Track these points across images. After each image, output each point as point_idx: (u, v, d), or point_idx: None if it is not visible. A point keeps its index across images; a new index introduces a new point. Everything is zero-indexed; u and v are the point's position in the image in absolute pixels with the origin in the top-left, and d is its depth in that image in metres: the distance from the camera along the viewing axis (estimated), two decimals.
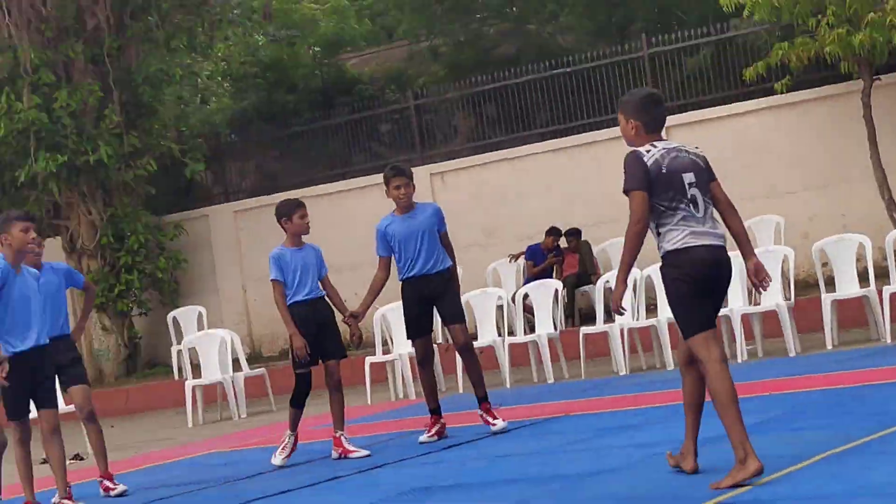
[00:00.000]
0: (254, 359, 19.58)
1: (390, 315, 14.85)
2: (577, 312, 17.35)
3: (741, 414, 6.86)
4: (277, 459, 10.23)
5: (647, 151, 6.97)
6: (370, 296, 10.53)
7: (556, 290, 14.94)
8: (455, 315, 10.54)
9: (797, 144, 17.10)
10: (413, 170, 19.34)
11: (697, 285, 6.90)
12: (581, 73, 19.32)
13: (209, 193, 22.66)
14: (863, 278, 13.57)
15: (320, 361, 10.22)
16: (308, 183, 20.78)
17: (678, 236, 6.90)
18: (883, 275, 14.06)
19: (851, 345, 13.21)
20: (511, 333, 15.48)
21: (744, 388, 10.86)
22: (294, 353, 10.11)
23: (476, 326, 14.52)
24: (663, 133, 7.26)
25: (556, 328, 14.85)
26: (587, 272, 17.37)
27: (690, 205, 6.93)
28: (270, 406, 15.80)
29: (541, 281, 15.54)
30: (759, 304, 13.86)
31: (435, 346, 15.52)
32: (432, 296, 10.54)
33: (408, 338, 10.86)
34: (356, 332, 10.37)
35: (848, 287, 13.47)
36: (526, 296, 15.29)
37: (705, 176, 7.08)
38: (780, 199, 17.09)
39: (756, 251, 14.12)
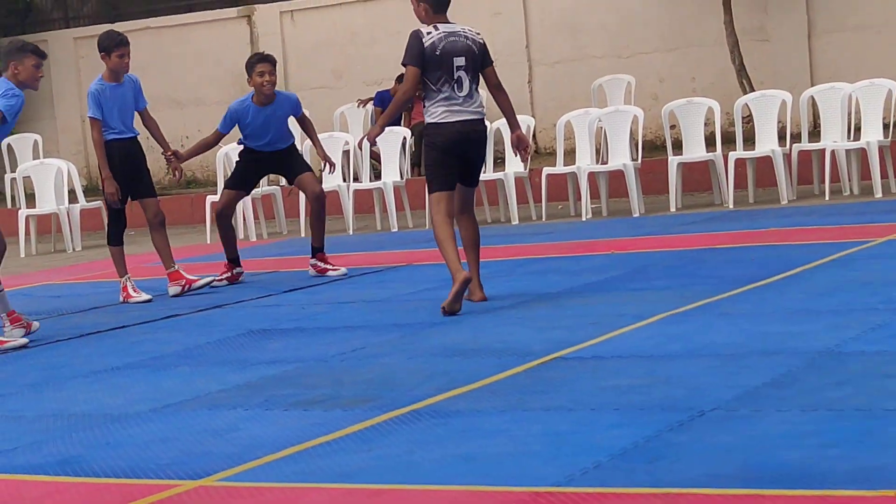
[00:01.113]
0: (91, 191, 19.12)
1: (233, 154, 14.55)
2: (423, 161, 17.22)
3: (456, 251, 8.07)
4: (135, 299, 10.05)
5: (428, 33, 8.14)
6: (197, 149, 10.56)
7: (405, 138, 14.80)
8: (304, 166, 10.51)
9: (650, 4, 17.05)
10: (261, 7, 19.17)
11: (447, 153, 8.22)
12: None
13: (48, 17, 21.85)
14: (710, 143, 13.68)
15: (130, 199, 10.03)
16: (152, 13, 20.16)
17: (437, 112, 8.18)
18: (730, 140, 14.21)
19: (695, 208, 13.36)
20: (356, 180, 15.34)
21: (586, 245, 10.98)
22: (106, 196, 9.92)
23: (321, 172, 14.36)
24: None
25: (402, 176, 14.75)
26: None
27: (455, 85, 8.15)
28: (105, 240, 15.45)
29: (388, 128, 15.34)
30: (606, 163, 13.91)
31: (278, 188, 15.41)
32: (270, 167, 10.79)
33: (224, 185, 10.85)
34: (177, 167, 10.26)
35: (695, 150, 13.57)
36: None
37: (478, 60, 8.24)
38: (631, 59, 17.08)
39: (606, 110, 14.31)
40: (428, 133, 8.31)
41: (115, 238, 10.11)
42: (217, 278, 10.39)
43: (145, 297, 9.96)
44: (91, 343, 8.33)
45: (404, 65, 8.21)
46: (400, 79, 17.23)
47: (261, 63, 10.23)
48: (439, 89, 8.15)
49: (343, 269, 10.47)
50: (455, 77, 8.15)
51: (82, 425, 5.90)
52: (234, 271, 10.55)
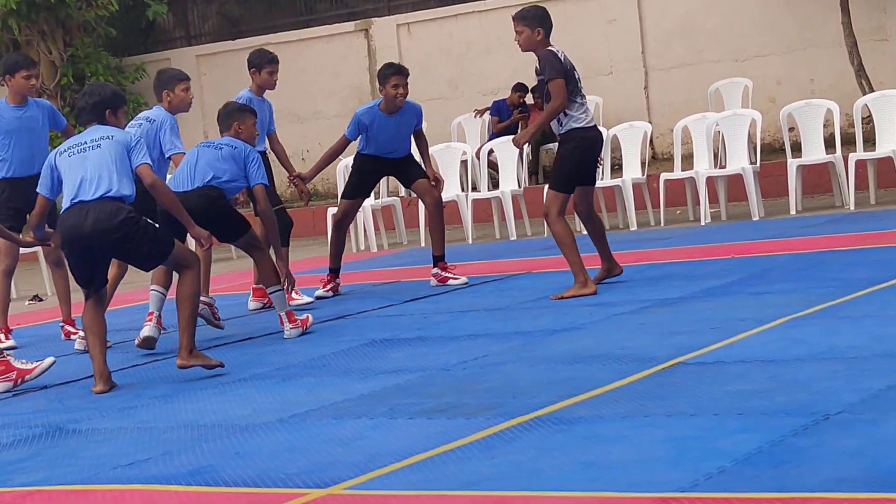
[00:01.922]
0: None
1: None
2: (541, 170, 17.26)
3: (578, 252, 9.02)
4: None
5: (558, 51, 9.13)
6: (322, 163, 10.60)
7: (522, 148, 14.82)
8: (420, 172, 10.56)
9: (767, 7, 16.91)
10: (378, 20, 19.35)
11: (594, 154, 9.23)
12: None
13: (170, 36, 22.27)
14: (829, 144, 13.53)
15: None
16: (272, 29, 20.46)
17: (584, 118, 9.11)
18: (849, 141, 14.03)
19: (815, 210, 13.22)
20: (474, 189, 15.41)
21: (706, 250, 10.93)
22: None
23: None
24: None
25: (519, 185, 14.79)
26: (552, 130, 17.21)
27: (581, 96, 9.18)
28: (231, 254, 15.72)
29: (506, 137, 15.41)
30: (724, 167, 13.83)
31: (398, 199, 15.54)
32: (386, 170, 10.86)
33: (341, 196, 10.96)
34: (304, 191, 10.44)
35: (814, 152, 13.43)
36: (490, 151, 15.18)
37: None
38: (748, 63, 16.94)
39: (723, 114, 14.23)
40: (578, 137, 9.11)
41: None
42: (324, 289, 10.50)
43: (307, 299, 10.16)
44: (219, 354, 8.47)
45: (551, 79, 9.01)
46: (517, 87, 17.39)
47: (396, 76, 10.28)
48: (574, 99, 9.07)
49: (464, 279, 10.52)
50: (580, 88, 9.20)
51: (212, 436, 6.03)
52: (336, 282, 10.66)
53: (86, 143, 7.69)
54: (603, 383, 6.06)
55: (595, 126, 9.34)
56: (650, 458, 4.72)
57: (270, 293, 8.85)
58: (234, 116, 8.98)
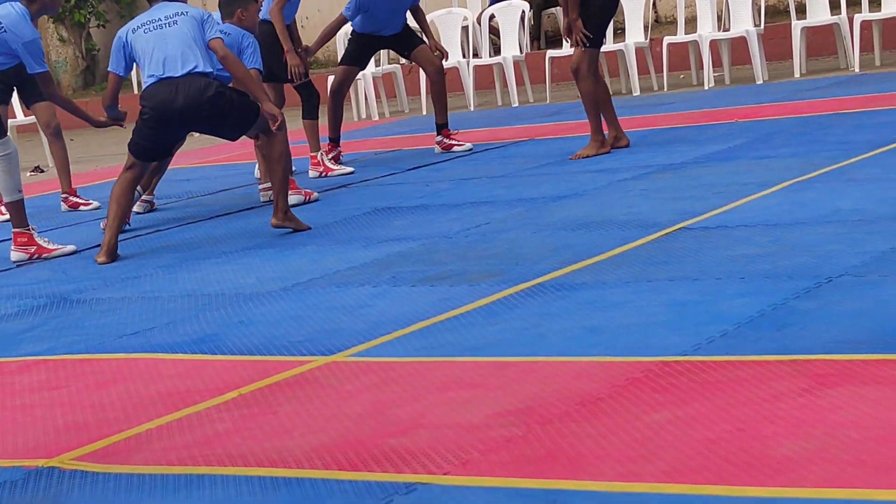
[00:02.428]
0: None
1: None
2: (543, 35, 17.11)
3: (599, 114, 9.24)
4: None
5: None
6: (323, 39, 10.42)
7: (523, 12, 14.68)
8: (419, 40, 10.49)
9: None
10: None
11: (610, 13, 9.35)
12: None
13: None
14: (834, 5, 13.38)
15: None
16: None
17: None
18: (855, 2, 13.88)
19: (820, 73, 13.12)
20: (476, 55, 15.29)
21: (710, 115, 10.88)
22: (292, 69, 9.61)
23: None
24: None
25: (521, 51, 14.66)
26: None
27: None
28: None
29: (507, 2, 15.24)
30: (728, 30, 13.69)
31: (399, 66, 15.42)
32: (384, 44, 10.73)
33: (340, 62, 10.86)
34: (307, 63, 9.92)
35: (819, 14, 13.28)
36: (492, 17, 15.02)
37: None
38: None
39: None
40: None
41: (311, 112, 9.98)
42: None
43: (347, 169, 10.10)
44: (222, 225, 8.49)
45: None
46: None
47: None
48: None
49: (468, 145, 10.49)
50: None
51: (216, 304, 6.05)
52: (338, 150, 10.56)
53: (160, 19, 7.70)
54: (605, 249, 6.06)
55: None
56: (652, 322, 4.73)
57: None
58: (238, 3, 8.84)
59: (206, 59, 7.62)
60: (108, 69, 8.01)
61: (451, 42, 14.55)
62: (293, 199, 8.56)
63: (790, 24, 13.38)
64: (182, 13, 7.71)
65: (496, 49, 15.33)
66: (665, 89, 13.62)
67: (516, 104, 14.14)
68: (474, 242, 6.71)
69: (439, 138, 10.51)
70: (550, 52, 14.44)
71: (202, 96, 7.54)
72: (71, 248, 8.07)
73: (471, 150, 10.40)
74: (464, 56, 15.05)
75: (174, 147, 8.42)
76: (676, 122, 10.73)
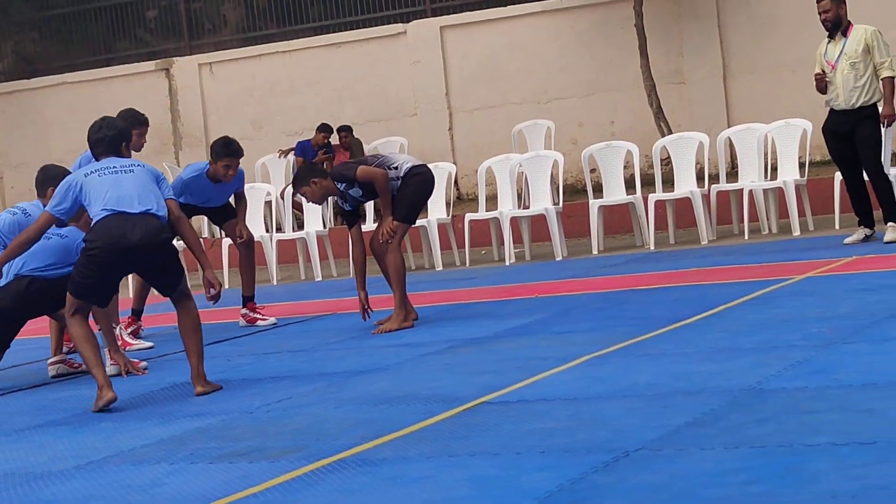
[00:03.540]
0: None
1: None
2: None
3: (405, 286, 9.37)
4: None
5: None
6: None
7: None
8: (232, 212, 10.48)
9: (567, 50, 17.22)
10: (180, 60, 19.13)
11: (426, 192, 9.71)
12: None
13: None
14: (629, 185, 13.80)
15: None
16: (69, 68, 20.07)
17: (409, 164, 9.55)
18: (649, 182, 14.34)
19: (617, 250, 13.46)
20: (279, 230, 15.32)
21: (511, 290, 11.02)
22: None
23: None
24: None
25: (325, 225, 14.75)
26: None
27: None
28: None
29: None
30: (528, 207, 13.99)
31: (202, 239, 15.34)
32: (199, 212, 10.71)
33: None
34: None
35: (615, 193, 13.69)
36: (295, 192, 15.09)
37: None
38: (550, 105, 17.23)
39: (526, 156, 14.42)
40: (420, 172, 9.46)
41: None
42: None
43: (146, 344, 9.97)
44: (12, 401, 8.22)
45: (356, 168, 9.35)
46: (321, 128, 17.36)
47: (229, 158, 10.09)
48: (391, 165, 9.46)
49: (272, 319, 10.45)
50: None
51: (6, 485, 5.82)
52: (138, 324, 10.41)
53: (115, 167, 7.67)
54: (407, 424, 6.03)
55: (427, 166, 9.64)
56: (453, 497, 4.70)
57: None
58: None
59: (161, 206, 7.58)
60: (45, 209, 7.85)
61: (254, 216, 14.54)
62: (111, 370, 8.34)
63: (588, 202, 13.73)
64: (138, 165, 7.73)
65: (300, 224, 15.38)
66: (467, 264, 13.81)
67: (319, 278, 14.16)
68: (275, 418, 6.62)
69: (244, 311, 10.44)
70: None
71: (158, 237, 7.47)
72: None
73: (275, 324, 10.35)
74: (267, 231, 15.06)
75: (115, 291, 8.08)
76: (478, 296, 10.85)
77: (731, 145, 14.28)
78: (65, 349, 9.24)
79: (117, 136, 7.84)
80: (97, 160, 7.83)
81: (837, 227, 12.65)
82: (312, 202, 9.80)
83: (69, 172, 9.06)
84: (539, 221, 13.80)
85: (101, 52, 20.55)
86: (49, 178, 8.80)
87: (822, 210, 13.37)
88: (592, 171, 14.32)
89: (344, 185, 9.40)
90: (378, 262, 9.58)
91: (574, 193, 16.32)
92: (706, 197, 13.36)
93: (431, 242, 13.91)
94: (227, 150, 10.15)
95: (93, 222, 7.54)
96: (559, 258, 13.28)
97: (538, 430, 5.62)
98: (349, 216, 9.63)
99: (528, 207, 14.02)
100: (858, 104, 11.17)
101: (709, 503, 4.24)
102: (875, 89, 11.18)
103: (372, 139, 17.59)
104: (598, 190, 13.99)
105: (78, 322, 7.59)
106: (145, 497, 5.26)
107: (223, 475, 5.46)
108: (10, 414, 7.72)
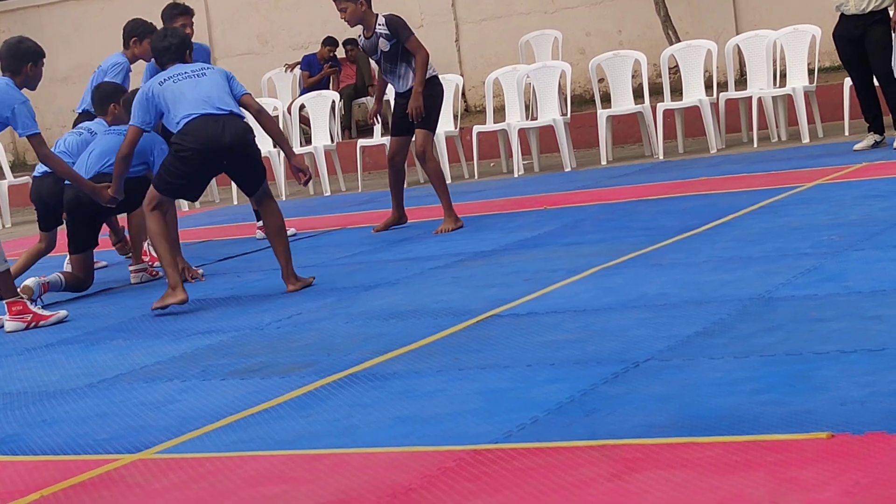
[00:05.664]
0: (17, 167, 18.94)
1: None
2: (353, 124, 17.20)
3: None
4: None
5: None
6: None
7: (333, 102, 14.75)
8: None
9: None
10: None
11: (440, 102, 9.90)
12: None
13: None
14: (638, 95, 13.73)
15: None
16: None
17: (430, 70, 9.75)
18: (657, 92, 14.26)
19: (625, 161, 13.42)
20: None
21: (519, 202, 11.01)
22: None
23: None
24: None
25: (332, 140, 14.71)
26: (365, 83, 17.19)
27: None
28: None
29: (317, 92, 15.30)
30: (536, 119, 13.93)
31: None
32: None
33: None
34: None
35: (623, 103, 13.62)
36: (302, 106, 15.06)
37: None
38: (557, 14, 17.09)
39: (533, 66, 14.35)
40: (435, 83, 9.74)
41: None
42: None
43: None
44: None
45: (409, 37, 9.59)
46: (327, 41, 17.27)
47: (182, 16, 9.99)
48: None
49: (292, 230, 10.38)
50: None
51: (18, 403, 5.87)
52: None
53: (187, 72, 7.84)
54: (418, 338, 6.05)
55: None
56: (464, 410, 4.73)
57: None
58: (112, 98, 9.01)
59: (238, 109, 7.73)
60: (130, 123, 7.95)
61: (261, 132, 14.48)
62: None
63: (596, 112, 13.67)
64: (209, 68, 7.91)
65: (307, 138, 15.34)
66: (475, 177, 13.78)
67: (328, 193, 14.15)
68: (286, 333, 6.65)
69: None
70: (362, 141, 14.51)
71: (246, 137, 7.68)
72: (63, 313, 7.99)
73: (295, 234, 10.31)
74: (275, 146, 15.01)
75: (203, 189, 8.43)
76: (487, 209, 10.84)
77: (740, 52, 14.18)
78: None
79: (181, 43, 8.02)
80: (163, 68, 8.01)
81: (847, 133, 12.59)
82: (344, 19, 9.83)
83: (121, 86, 9.17)
84: (547, 132, 13.75)
85: None
86: (107, 95, 9.14)
87: (832, 117, 13.30)
88: (600, 80, 14.24)
89: (387, 31, 9.58)
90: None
91: (582, 104, 16.25)
92: (715, 105, 13.29)
93: (440, 155, 13.87)
94: (177, 9, 10.09)
95: (180, 125, 7.65)
96: (568, 169, 13.25)
97: (548, 342, 5.63)
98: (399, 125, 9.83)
99: (535, 119, 13.96)
100: (869, 9, 11.11)
101: (718, 412, 4.26)
102: None
103: None
104: (606, 100, 13.92)
105: (156, 218, 7.73)
106: (158, 414, 5.30)
107: (235, 391, 5.50)
108: (22, 332, 7.76)
